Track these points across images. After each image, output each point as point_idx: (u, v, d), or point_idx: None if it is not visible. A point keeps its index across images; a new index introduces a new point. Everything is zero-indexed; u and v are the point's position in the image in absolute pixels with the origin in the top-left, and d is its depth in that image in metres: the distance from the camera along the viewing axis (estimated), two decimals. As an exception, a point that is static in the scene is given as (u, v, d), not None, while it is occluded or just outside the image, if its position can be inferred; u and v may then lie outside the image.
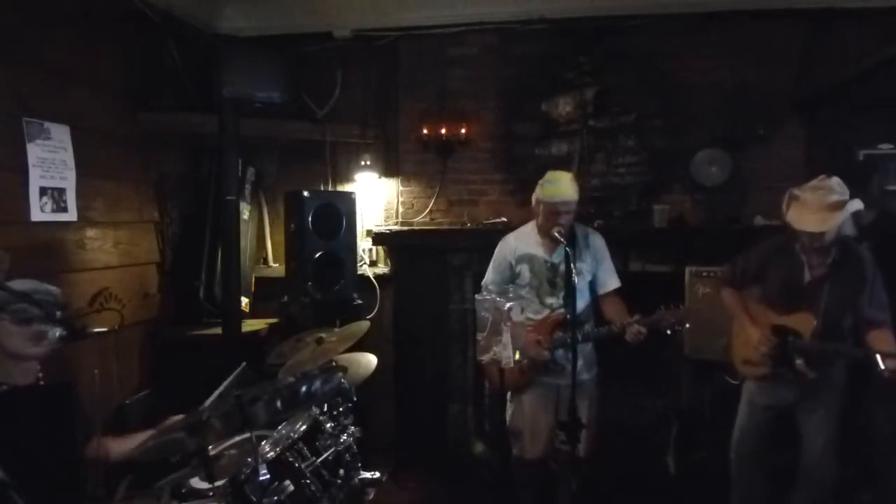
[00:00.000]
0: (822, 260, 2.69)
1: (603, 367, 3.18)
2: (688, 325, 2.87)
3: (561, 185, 2.97)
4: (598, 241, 3.15)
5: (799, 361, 2.65)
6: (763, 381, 2.87)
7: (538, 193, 3.02)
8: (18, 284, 2.03)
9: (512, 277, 3.15)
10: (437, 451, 4.23)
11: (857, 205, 2.57)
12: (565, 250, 2.81)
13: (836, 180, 2.62)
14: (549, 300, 3.07)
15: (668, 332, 2.79)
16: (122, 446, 2.26)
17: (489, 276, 3.22)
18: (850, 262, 2.68)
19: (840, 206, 2.55)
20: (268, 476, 2.07)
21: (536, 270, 3.09)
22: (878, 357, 2.46)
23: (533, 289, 3.09)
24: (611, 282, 3.12)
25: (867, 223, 3.08)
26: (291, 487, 2.12)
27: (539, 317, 3.06)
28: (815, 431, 2.79)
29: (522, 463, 3.15)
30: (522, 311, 2.84)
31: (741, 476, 3.01)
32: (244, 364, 2.48)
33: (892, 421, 3.16)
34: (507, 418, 3.17)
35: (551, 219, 2.95)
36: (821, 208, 2.57)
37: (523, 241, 3.15)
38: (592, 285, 3.11)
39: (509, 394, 3.15)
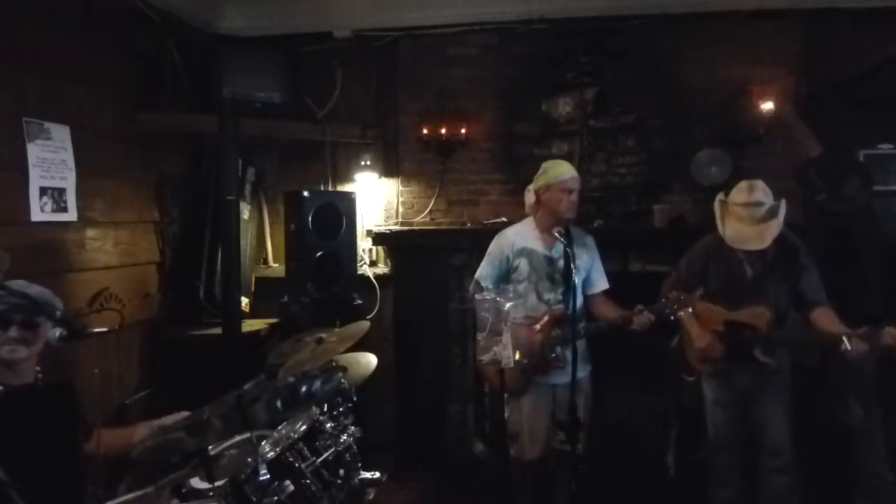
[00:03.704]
0: (760, 255, 2.80)
1: (602, 367, 3.18)
2: (690, 310, 2.89)
3: (566, 165, 3.06)
4: (591, 241, 3.20)
5: (758, 352, 2.78)
6: (720, 376, 2.97)
7: (544, 180, 3.03)
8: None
9: (508, 272, 3.13)
10: (437, 451, 4.22)
11: (784, 206, 2.71)
12: (565, 249, 2.82)
13: (760, 185, 2.74)
14: (547, 296, 3.07)
15: (672, 317, 2.84)
16: (120, 438, 2.26)
17: (483, 271, 3.18)
18: (786, 252, 2.79)
19: (774, 213, 2.68)
20: (268, 476, 2.07)
21: (535, 265, 3.08)
22: (845, 338, 2.53)
23: (531, 283, 3.08)
24: (601, 282, 3.17)
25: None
26: (291, 487, 2.12)
27: (536, 313, 3.05)
28: (770, 417, 2.88)
29: (520, 464, 3.15)
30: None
31: (719, 467, 3.08)
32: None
33: (868, 417, 3.21)
34: (506, 419, 3.17)
35: (562, 199, 2.98)
36: (757, 222, 2.68)
37: (521, 236, 3.14)
38: (583, 284, 3.11)
39: (506, 395, 3.14)
